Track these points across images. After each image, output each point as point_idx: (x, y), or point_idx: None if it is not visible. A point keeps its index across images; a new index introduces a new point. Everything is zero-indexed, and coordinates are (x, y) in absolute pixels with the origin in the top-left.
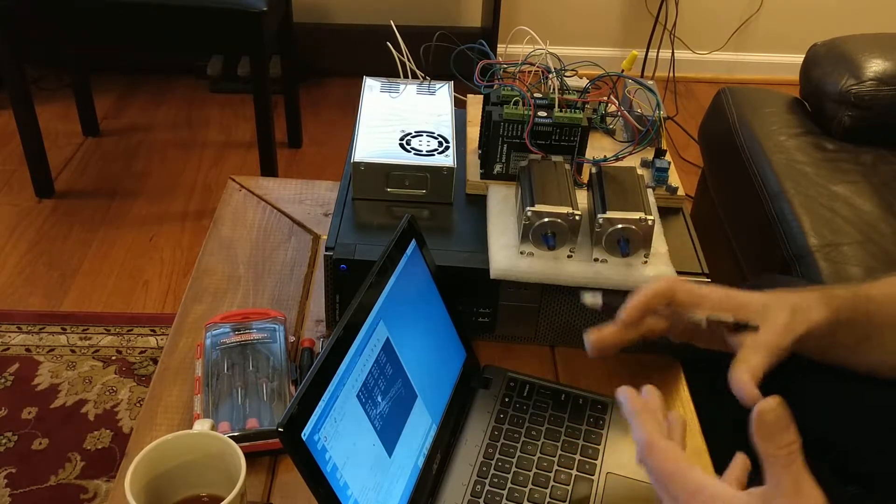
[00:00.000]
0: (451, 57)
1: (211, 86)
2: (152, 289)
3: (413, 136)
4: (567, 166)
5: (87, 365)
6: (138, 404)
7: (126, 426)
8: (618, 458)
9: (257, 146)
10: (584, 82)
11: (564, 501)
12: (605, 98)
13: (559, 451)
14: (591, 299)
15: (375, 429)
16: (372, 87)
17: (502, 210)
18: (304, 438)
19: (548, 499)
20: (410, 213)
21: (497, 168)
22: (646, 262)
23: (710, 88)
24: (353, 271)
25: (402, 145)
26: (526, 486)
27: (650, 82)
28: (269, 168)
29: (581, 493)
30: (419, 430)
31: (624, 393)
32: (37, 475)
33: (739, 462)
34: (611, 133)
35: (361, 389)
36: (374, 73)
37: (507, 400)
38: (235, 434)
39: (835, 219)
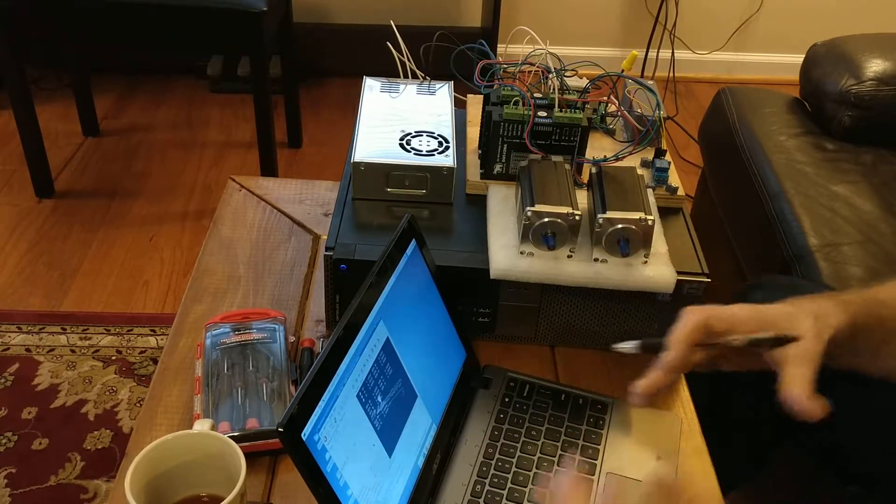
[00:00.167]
0: (451, 57)
1: (211, 86)
2: (152, 289)
3: (413, 136)
4: (567, 166)
5: (87, 365)
6: (138, 404)
7: (126, 426)
8: (618, 458)
9: (257, 146)
10: (584, 82)
11: None
12: (605, 98)
13: (559, 451)
14: (627, 348)
15: (375, 429)
16: (372, 87)
17: (502, 210)
18: (304, 438)
19: None
20: (410, 213)
21: (497, 168)
22: (646, 262)
23: (710, 88)
24: (353, 271)
25: (402, 145)
26: (526, 486)
27: (650, 82)
28: (269, 168)
29: None
30: (419, 430)
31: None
32: (37, 475)
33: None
34: (611, 133)
35: (361, 389)
36: (374, 73)
37: (507, 400)
38: (235, 434)
39: (835, 219)
